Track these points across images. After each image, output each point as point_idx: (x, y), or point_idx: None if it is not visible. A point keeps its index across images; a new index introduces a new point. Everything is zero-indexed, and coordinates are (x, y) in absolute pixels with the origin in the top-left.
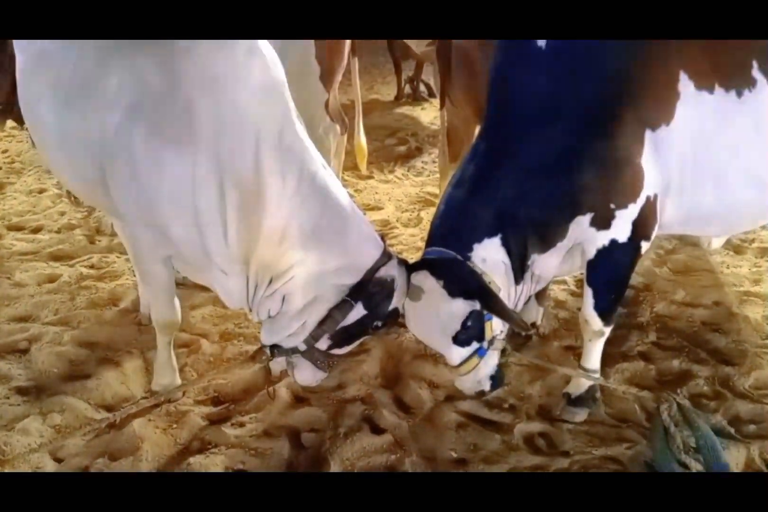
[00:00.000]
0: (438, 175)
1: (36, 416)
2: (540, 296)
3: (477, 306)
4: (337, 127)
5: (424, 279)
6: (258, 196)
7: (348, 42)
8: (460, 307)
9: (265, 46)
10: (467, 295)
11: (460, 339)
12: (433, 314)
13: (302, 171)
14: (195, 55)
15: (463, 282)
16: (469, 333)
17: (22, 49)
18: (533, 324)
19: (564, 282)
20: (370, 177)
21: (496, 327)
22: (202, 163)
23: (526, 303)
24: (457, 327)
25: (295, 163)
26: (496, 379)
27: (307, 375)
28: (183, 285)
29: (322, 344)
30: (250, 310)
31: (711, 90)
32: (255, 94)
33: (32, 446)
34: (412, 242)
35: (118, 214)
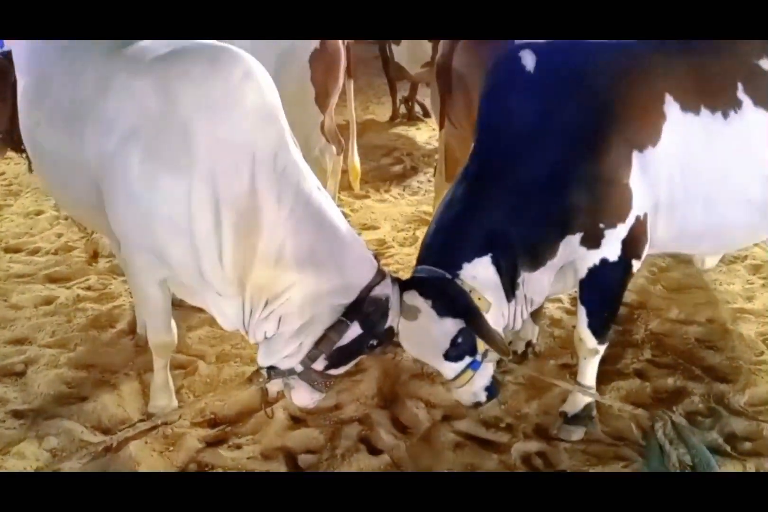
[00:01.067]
0: (433, 194)
1: (32, 440)
2: (535, 314)
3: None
4: (333, 148)
5: (413, 300)
6: (253, 219)
7: (343, 64)
8: (449, 326)
9: (259, 70)
10: (455, 314)
11: (451, 356)
12: (422, 333)
13: (297, 193)
14: (191, 80)
15: (451, 301)
16: (460, 349)
17: (24, 74)
18: (529, 343)
19: (559, 300)
20: (366, 196)
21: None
22: (197, 185)
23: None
24: (447, 345)
25: (290, 186)
26: (492, 390)
27: (304, 396)
28: (180, 306)
29: (319, 365)
30: (247, 332)
31: (697, 112)
32: (250, 117)
33: (28, 470)
34: (408, 261)
35: (115, 236)
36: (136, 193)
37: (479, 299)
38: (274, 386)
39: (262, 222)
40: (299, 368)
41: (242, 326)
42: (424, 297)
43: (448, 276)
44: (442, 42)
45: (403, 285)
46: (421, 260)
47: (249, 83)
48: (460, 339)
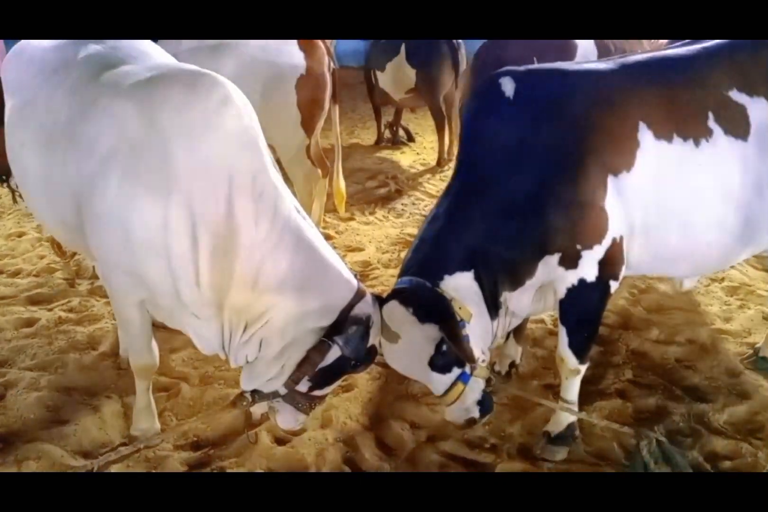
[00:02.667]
0: (417, 217)
1: (11, 464)
2: (519, 335)
3: None
4: (319, 171)
5: (394, 309)
6: (230, 241)
7: (329, 90)
8: (432, 331)
9: (238, 95)
10: (437, 320)
11: (437, 365)
12: (406, 342)
13: (275, 216)
14: (170, 104)
15: (431, 305)
16: (446, 358)
17: (11, 96)
18: (512, 363)
19: (542, 321)
20: (351, 219)
21: (476, 352)
22: (174, 208)
23: (506, 341)
24: (431, 351)
25: (267, 209)
26: (486, 404)
27: (288, 418)
28: (163, 328)
29: (303, 386)
30: (226, 356)
31: (670, 139)
32: (228, 142)
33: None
34: (392, 282)
35: (95, 258)
36: (114, 215)
37: (460, 308)
38: (258, 409)
39: (239, 244)
40: (283, 391)
41: (221, 350)
42: (405, 305)
43: (428, 284)
44: (462, 74)
45: (385, 300)
46: (403, 272)
47: (227, 108)
48: (444, 347)
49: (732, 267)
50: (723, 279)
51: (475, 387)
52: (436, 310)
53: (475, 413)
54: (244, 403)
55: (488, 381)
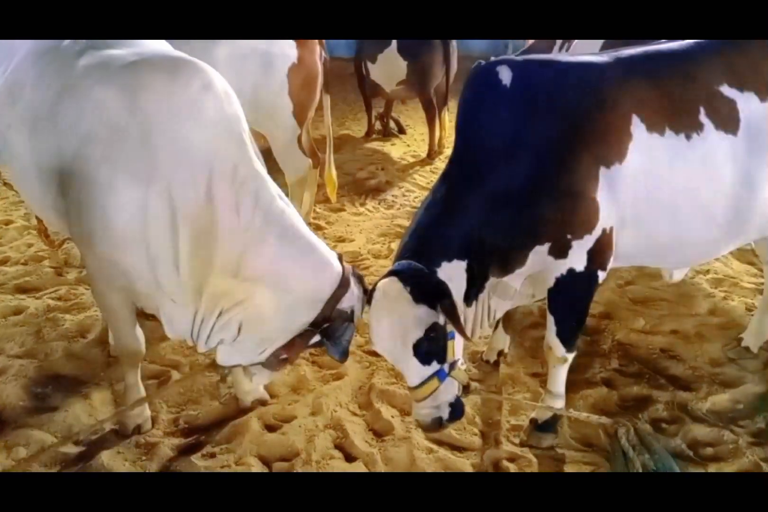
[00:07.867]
0: (408, 208)
1: (0, 449)
2: (507, 325)
3: (441, 319)
4: (310, 161)
5: (391, 285)
6: (211, 229)
7: (320, 79)
8: (424, 314)
9: (220, 82)
10: (431, 303)
11: (420, 351)
12: (396, 320)
13: (257, 204)
14: (151, 90)
15: (429, 288)
16: (431, 346)
17: (1, 76)
18: (501, 352)
19: (530, 311)
20: (341, 209)
21: (458, 352)
22: (154, 194)
23: (494, 330)
24: (420, 333)
25: (249, 197)
26: (457, 409)
27: (263, 378)
28: (153, 317)
29: (281, 357)
30: (193, 341)
31: (662, 132)
32: (209, 128)
33: None
34: (382, 273)
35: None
36: (93, 200)
37: None
38: (249, 396)
39: (219, 232)
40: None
41: (188, 335)
42: (403, 282)
43: (426, 270)
44: None
45: (382, 277)
46: (400, 255)
47: (208, 95)
48: (433, 333)
49: (717, 259)
50: (708, 271)
51: (449, 388)
52: (434, 291)
53: (444, 413)
54: (226, 371)
55: (465, 387)
